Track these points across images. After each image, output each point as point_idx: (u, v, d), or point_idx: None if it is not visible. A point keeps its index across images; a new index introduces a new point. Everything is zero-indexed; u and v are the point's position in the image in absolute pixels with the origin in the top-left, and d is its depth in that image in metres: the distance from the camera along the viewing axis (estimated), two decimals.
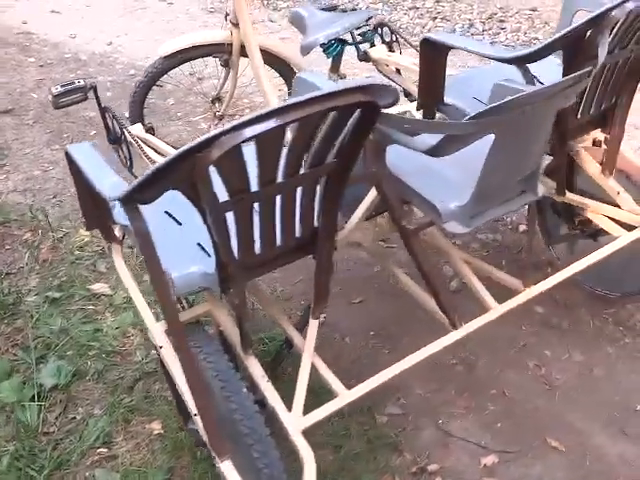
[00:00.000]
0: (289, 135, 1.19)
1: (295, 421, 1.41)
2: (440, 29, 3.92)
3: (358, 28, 2.16)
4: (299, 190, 1.33)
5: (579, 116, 1.80)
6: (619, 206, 1.96)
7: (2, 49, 4.00)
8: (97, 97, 2.06)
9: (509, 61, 1.61)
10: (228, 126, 1.07)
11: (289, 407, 1.42)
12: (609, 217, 1.95)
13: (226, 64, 2.51)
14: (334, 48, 2.11)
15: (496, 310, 1.68)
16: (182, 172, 1.10)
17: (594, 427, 1.90)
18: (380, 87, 1.21)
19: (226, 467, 1.33)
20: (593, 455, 1.83)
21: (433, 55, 1.80)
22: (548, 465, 1.81)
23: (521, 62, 1.59)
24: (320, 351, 2.13)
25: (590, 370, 2.07)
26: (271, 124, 1.09)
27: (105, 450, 1.86)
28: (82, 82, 1.98)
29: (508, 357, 2.12)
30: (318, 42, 2.08)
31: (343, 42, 2.17)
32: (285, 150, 1.22)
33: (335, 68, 2.26)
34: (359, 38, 2.16)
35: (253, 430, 1.37)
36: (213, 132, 1.07)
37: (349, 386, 1.51)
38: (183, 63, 2.52)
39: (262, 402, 1.45)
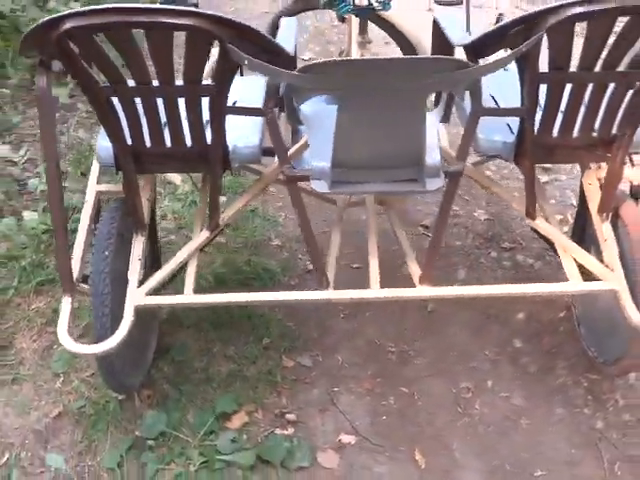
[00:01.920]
0: None
1: (136, 295, 1.64)
2: None
3: None
4: (181, 101, 1.52)
5: (555, 134, 1.62)
6: (600, 253, 1.73)
7: None
8: None
9: (463, 48, 1.54)
10: (80, 9, 1.32)
11: None
12: (576, 261, 1.73)
13: (342, 19, 2.65)
14: (343, 7, 2.10)
15: (373, 291, 1.67)
16: (47, 41, 1.37)
17: (473, 465, 1.76)
18: (229, 22, 1.34)
19: (64, 301, 1.62)
20: None
21: (439, 34, 1.78)
22: (396, 471, 1.75)
23: (470, 52, 1.50)
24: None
25: (518, 417, 1.88)
26: (111, 18, 1.31)
27: None
28: None
29: (447, 369, 2.01)
30: None
31: (361, 8, 2.12)
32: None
33: (361, 29, 2.25)
34: (377, 4, 2.12)
35: (95, 284, 1.63)
36: (67, 11, 1.32)
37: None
38: (310, 9, 2.72)
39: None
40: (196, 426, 1.84)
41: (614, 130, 1.61)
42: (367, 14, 2.19)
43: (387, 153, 1.46)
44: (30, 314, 2.18)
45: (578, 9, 1.32)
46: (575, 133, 1.62)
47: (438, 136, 1.61)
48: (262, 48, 1.42)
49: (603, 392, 1.93)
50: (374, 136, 1.42)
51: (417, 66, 1.30)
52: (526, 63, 1.46)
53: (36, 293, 2.25)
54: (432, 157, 1.52)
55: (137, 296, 1.64)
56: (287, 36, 1.64)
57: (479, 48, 1.48)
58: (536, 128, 1.60)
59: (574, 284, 1.66)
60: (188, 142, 1.60)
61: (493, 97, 1.78)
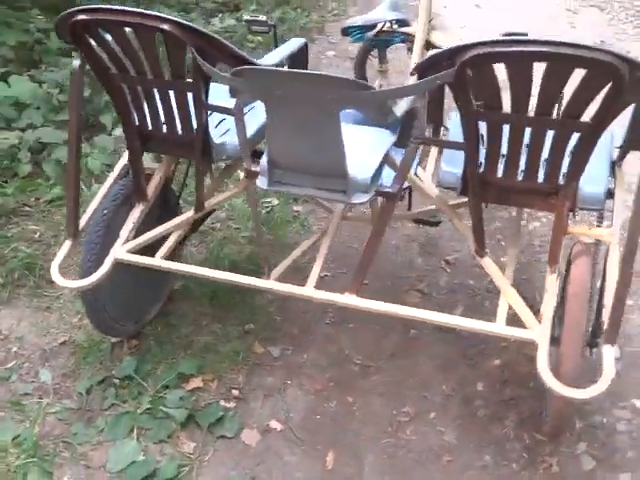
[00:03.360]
0: None
1: (118, 250, 1.95)
2: None
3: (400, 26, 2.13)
4: (171, 93, 1.80)
5: (499, 174, 1.64)
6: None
7: None
8: (275, 34, 2.69)
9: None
10: (84, 7, 1.66)
11: None
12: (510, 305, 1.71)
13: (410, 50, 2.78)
14: (355, 34, 2.17)
15: (307, 290, 1.80)
16: (67, 30, 1.72)
17: None
18: (196, 31, 1.60)
19: (65, 243, 1.97)
20: None
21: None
22: (303, 465, 1.85)
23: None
24: None
25: (443, 452, 1.87)
26: (104, 16, 1.63)
27: None
28: (264, 18, 2.63)
29: (398, 392, 2.06)
30: (355, 22, 2.19)
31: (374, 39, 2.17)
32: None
33: (381, 59, 2.30)
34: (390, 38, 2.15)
35: (88, 234, 1.96)
36: (77, 8, 1.66)
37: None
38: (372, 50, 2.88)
39: None
40: (159, 379, 2.10)
41: (560, 179, 1.60)
42: (382, 45, 2.31)
43: (311, 161, 1.60)
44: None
45: (481, 50, 1.36)
46: (519, 177, 1.63)
47: (385, 156, 1.70)
48: (230, 56, 1.65)
49: (541, 454, 1.85)
50: (297, 143, 1.57)
51: (326, 83, 1.44)
52: (458, 98, 1.52)
53: None
54: (364, 173, 1.63)
55: (119, 251, 1.95)
56: (279, 52, 1.86)
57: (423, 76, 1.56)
58: (481, 166, 1.64)
59: (496, 326, 1.66)
60: (179, 130, 1.88)
61: None
